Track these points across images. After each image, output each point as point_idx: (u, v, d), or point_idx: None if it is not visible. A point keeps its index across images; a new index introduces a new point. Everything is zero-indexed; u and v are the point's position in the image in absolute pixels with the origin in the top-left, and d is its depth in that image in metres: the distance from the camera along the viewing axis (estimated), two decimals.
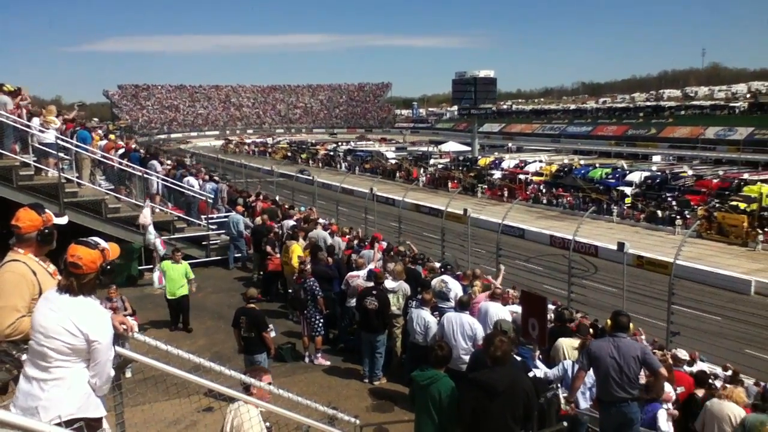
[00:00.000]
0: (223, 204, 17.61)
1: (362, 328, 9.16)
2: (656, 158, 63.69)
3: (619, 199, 37.59)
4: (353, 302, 9.95)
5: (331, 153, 71.69)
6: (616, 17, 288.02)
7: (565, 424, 6.15)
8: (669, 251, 20.17)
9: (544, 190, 43.33)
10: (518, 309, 8.35)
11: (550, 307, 12.01)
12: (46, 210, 3.68)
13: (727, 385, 6.72)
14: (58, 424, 2.81)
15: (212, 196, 16.78)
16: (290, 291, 11.10)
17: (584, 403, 6.57)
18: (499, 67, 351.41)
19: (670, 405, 6.75)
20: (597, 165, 49.04)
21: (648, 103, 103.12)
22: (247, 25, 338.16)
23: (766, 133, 62.67)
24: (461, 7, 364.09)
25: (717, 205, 32.50)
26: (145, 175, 14.76)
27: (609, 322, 6.87)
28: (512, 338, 6.52)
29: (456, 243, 21.84)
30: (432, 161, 61.10)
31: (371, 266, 10.64)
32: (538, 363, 7.45)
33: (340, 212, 26.80)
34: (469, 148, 68.13)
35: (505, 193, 43.31)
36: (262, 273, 13.78)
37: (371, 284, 9.26)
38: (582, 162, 55.23)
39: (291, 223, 15.00)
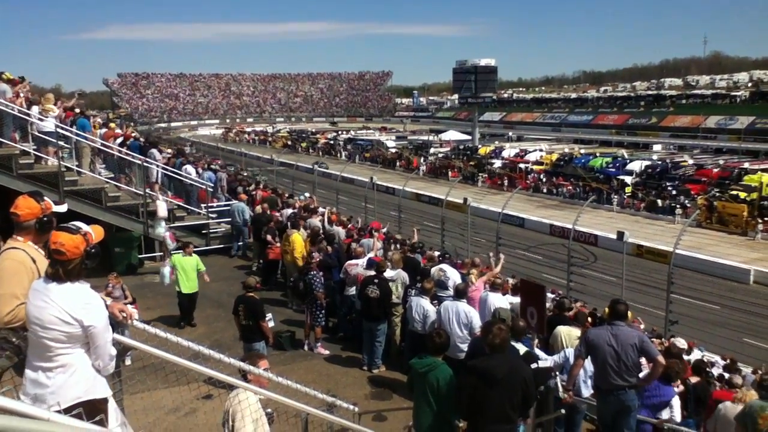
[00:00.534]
0: (223, 192, 17.62)
1: (363, 317, 9.19)
2: (657, 147, 63.59)
3: (619, 188, 37.60)
4: (352, 291, 9.99)
5: (332, 142, 71.60)
6: (617, 5, 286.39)
7: (563, 411, 6.20)
8: (669, 240, 20.21)
9: (544, 179, 43.31)
10: (516, 300, 8.35)
11: (549, 295, 12.06)
12: (45, 198, 3.70)
13: (742, 389, 6.66)
14: (68, 409, 2.84)
15: (212, 185, 16.79)
16: (291, 280, 11.13)
17: (586, 392, 6.58)
18: (500, 55, 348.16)
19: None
20: (597, 154, 49.02)
21: (649, 92, 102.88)
22: (247, 13, 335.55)
23: (767, 123, 62.51)
24: None
25: (717, 194, 32.52)
26: (145, 164, 14.74)
27: (607, 310, 6.90)
28: (522, 327, 6.53)
29: (456, 232, 21.87)
30: (432, 150, 61.13)
31: (371, 255, 10.65)
32: (539, 351, 7.47)
33: (341, 201, 26.83)
34: (469, 137, 68.05)
35: (506, 182, 43.29)
36: (262, 261, 13.81)
37: (372, 273, 9.28)
38: (582, 151, 55.22)
39: (290, 211, 15.01)
